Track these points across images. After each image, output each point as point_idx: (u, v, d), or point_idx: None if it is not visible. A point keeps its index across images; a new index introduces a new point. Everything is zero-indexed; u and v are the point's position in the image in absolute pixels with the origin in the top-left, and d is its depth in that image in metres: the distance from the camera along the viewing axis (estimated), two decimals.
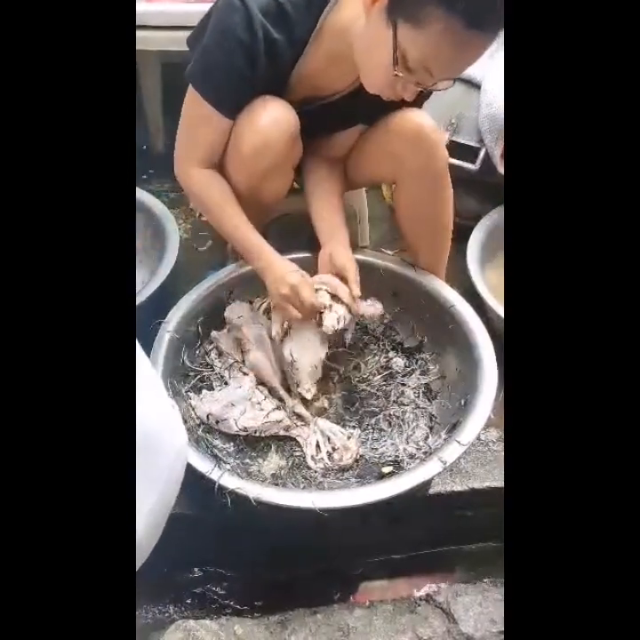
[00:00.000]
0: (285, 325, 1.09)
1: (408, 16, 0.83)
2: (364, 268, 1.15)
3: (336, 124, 1.16)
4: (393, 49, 0.85)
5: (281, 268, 1.06)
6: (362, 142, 1.19)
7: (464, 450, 0.92)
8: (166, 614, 1.05)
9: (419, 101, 1.11)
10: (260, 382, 1.12)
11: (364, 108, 1.10)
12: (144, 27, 1.48)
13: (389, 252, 1.43)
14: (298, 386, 1.10)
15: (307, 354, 1.09)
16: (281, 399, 1.11)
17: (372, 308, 1.16)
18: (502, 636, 0.95)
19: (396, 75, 0.87)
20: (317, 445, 1.06)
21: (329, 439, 1.06)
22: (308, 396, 1.09)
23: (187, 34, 1.50)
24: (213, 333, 1.17)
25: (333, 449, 1.05)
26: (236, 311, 1.16)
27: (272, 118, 1.02)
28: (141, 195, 1.43)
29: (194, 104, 1.03)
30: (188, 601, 1.07)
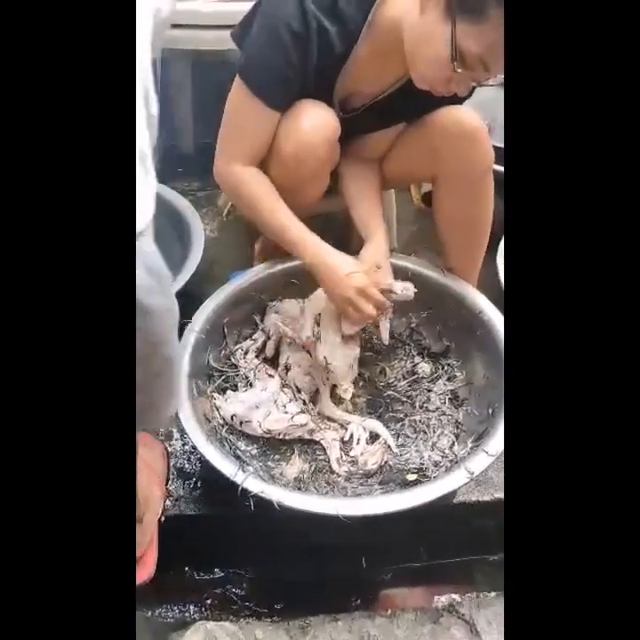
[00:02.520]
0: (316, 329, 1.08)
1: (468, 11, 0.82)
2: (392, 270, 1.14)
3: (377, 124, 1.14)
4: (451, 44, 0.84)
5: (342, 269, 1.01)
6: (401, 140, 1.17)
7: (492, 460, 0.90)
8: (186, 614, 1.05)
9: (462, 99, 1.09)
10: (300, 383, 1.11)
11: (408, 107, 1.08)
12: (175, 25, 1.48)
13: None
14: (335, 388, 1.09)
15: (340, 355, 1.08)
16: (317, 402, 1.11)
17: (406, 291, 1.11)
18: None
19: (455, 71, 0.86)
20: (357, 441, 1.06)
21: (370, 436, 1.06)
22: (347, 396, 1.08)
23: (218, 33, 1.51)
24: (274, 319, 1.16)
25: (369, 442, 1.05)
26: (291, 309, 1.17)
27: (314, 124, 1.01)
28: (168, 193, 1.43)
29: (242, 99, 1.00)
30: (209, 601, 1.07)
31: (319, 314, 1.08)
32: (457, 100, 1.07)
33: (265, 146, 1.04)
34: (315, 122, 1.00)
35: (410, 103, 1.06)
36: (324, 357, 1.06)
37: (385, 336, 1.10)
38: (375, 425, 1.08)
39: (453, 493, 1.06)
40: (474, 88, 1.01)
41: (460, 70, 0.86)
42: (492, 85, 0.93)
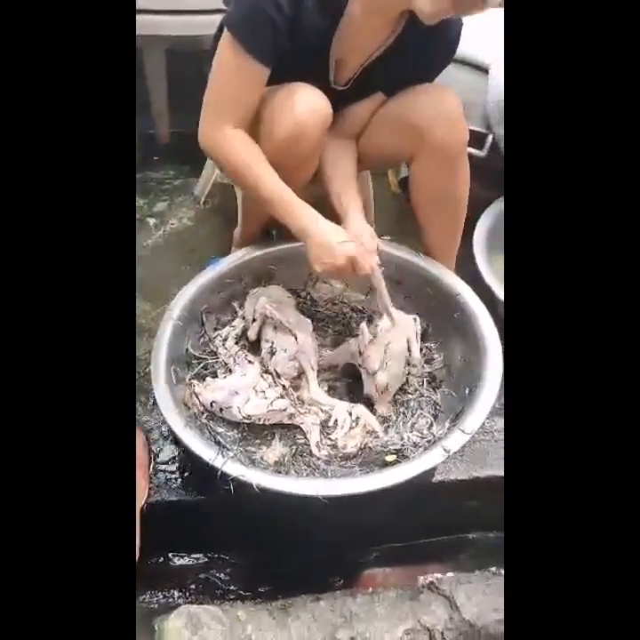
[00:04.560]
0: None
1: None
2: None
3: (359, 92, 1.14)
4: None
5: (334, 236, 1.00)
6: (380, 116, 1.17)
7: (468, 439, 0.92)
8: (171, 600, 1.06)
9: (431, 76, 1.12)
10: (290, 369, 1.12)
11: (388, 74, 1.09)
12: (148, 11, 1.47)
13: (387, 237, 1.42)
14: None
15: (397, 383, 1.11)
16: (297, 387, 1.12)
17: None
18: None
19: None
20: (342, 426, 1.07)
21: (357, 421, 1.07)
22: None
23: (192, 19, 1.50)
24: (261, 303, 1.14)
25: (352, 427, 1.06)
26: (276, 294, 1.16)
27: (310, 108, 1.01)
28: None
29: (229, 55, 0.98)
30: (193, 586, 1.08)
31: (388, 344, 1.08)
32: (433, 72, 1.10)
33: (252, 106, 1.03)
34: (310, 106, 1.01)
35: (390, 72, 1.07)
36: (387, 384, 1.07)
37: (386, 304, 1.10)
38: (362, 411, 1.09)
39: (432, 472, 1.08)
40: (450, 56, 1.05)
41: None
42: (495, 5, 0.90)
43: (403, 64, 1.00)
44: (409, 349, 1.11)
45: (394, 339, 1.09)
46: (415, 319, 1.15)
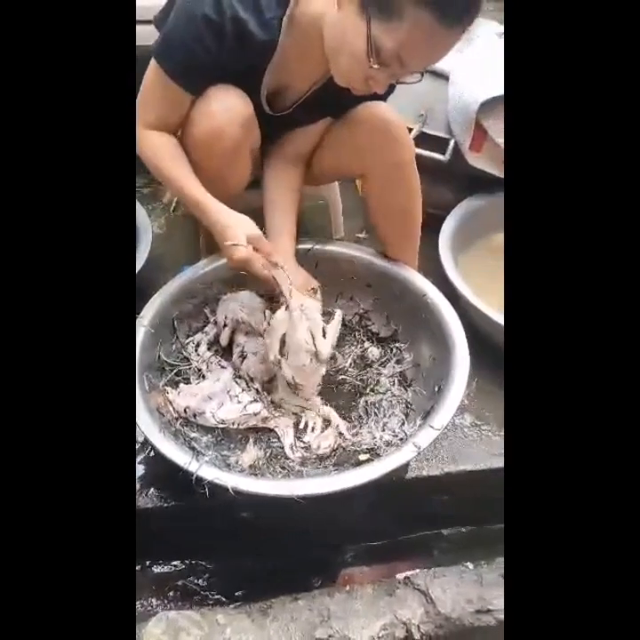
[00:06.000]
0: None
1: (382, 8, 0.84)
2: (339, 260, 1.17)
3: (305, 120, 1.16)
4: (367, 40, 0.86)
5: (227, 236, 1.01)
6: (327, 137, 1.19)
7: (437, 434, 0.94)
8: (149, 608, 1.06)
9: (384, 95, 1.11)
10: (250, 375, 1.12)
11: (334, 100, 1.10)
12: None
13: (361, 235, 1.44)
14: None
15: (307, 374, 1.08)
16: (270, 391, 1.13)
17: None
18: (478, 615, 0.97)
19: (371, 67, 0.88)
20: (313, 428, 1.08)
21: (330, 424, 1.08)
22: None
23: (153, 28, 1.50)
24: (232, 308, 1.15)
25: (323, 429, 1.08)
26: (247, 299, 1.17)
27: (224, 104, 1.02)
28: None
29: (156, 79, 1.01)
30: (171, 593, 1.08)
31: (284, 334, 1.06)
32: (381, 95, 1.10)
33: (173, 119, 1.05)
34: (224, 104, 1.02)
35: (336, 98, 1.08)
36: (292, 377, 1.07)
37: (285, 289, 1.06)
38: (328, 412, 1.10)
39: (405, 470, 1.10)
40: (393, 85, 1.05)
41: (376, 66, 0.87)
42: (411, 82, 0.95)
43: (349, 93, 1.00)
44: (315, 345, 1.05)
45: (292, 331, 1.04)
46: (332, 311, 1.12)
